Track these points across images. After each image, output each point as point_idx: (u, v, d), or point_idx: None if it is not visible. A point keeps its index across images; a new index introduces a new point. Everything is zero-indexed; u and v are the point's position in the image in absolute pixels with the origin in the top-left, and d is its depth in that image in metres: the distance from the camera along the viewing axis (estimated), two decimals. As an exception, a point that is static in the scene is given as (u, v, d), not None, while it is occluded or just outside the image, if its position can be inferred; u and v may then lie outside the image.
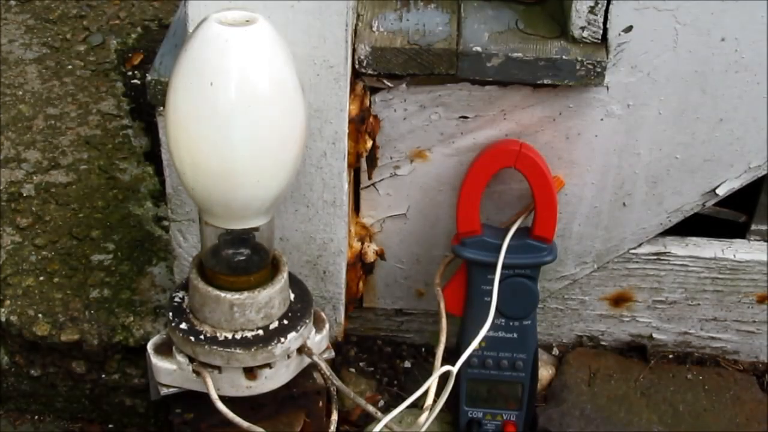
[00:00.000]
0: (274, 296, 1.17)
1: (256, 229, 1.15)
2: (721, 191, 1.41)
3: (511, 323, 1.43)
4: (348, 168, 1.33)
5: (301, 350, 1.21)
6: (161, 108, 1.24)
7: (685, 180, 1.40)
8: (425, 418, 1.27)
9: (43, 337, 1.47)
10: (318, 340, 1.24)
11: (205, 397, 1.17)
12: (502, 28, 1.32)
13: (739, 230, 1.53)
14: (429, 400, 1.28)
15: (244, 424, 1.16)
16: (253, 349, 1.16)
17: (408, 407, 1.24)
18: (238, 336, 1.16)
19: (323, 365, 1.22)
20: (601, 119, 1.35)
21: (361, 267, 1.49)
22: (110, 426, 1.54)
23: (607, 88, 1.32)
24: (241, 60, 1.02)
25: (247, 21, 1.04)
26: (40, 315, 1.49)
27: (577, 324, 1.59)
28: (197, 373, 1.19)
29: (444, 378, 1.28)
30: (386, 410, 1.25)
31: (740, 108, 1.33)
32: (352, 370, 1.58)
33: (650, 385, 1.55)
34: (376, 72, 1.30)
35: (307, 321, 1.21)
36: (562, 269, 1.50)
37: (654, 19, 1.26)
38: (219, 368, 1.17)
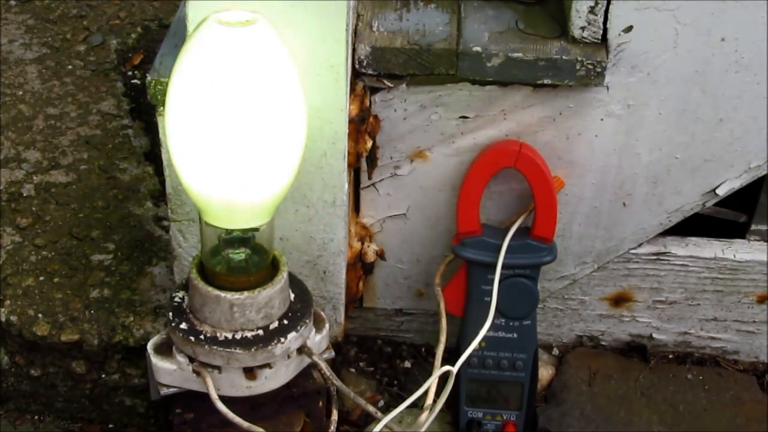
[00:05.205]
0: (274, 296, 1.17)
1: (256, 229, 1.16)
2: (721, 191, 1.41)
3: (511, 323, 1.43)
4: (348, 168, 1.32)
5: (301, 350, 1.21)
6: (161, 108, 1.24)
7: (685, 180, 1.40)
8: (425, 418, 1.27)
9: (43, 337, 1.46)
10: (318, 340, 1.24)
11: (205, 397, 1.17)
12: (502, 28, 1.32)
13: (739, 230, 1.53)
14: (429, 400, 1.28)
15: (244, 424, 1.16)
16: (253, 349, 1.16)
17: (408, 407, 1.24)
18: (238, 336, 1.16)
19: (323, 365, 1.22)
20: (601, 119, 1.35)
21: (361, 267, 1.49)
22: (110, 426, 1.54)
23: (607, 88, 1.32)
24: (241, 60, 1.02)
25: (247, 21, 1.04)
26: (40, 315, 1.49)
27: (577, 324, 1.59)
28: (197, 373, 1.19)
29: (444, 378, 1.28)
30: (386, 410, 1.25)
31: (740, 108, 1.33)
32: (352, 370, 1.58)
33: (650, 385, 1.55)
34: (376, 72, 1.30)
35: (307, 321, 1.21)
36: (562, 269, 1.50)
37: (654, 19, 1.26)
38: (219, 368, 1.17)
